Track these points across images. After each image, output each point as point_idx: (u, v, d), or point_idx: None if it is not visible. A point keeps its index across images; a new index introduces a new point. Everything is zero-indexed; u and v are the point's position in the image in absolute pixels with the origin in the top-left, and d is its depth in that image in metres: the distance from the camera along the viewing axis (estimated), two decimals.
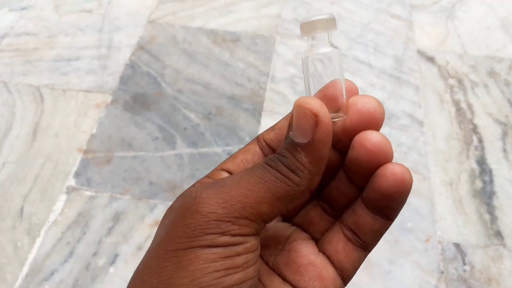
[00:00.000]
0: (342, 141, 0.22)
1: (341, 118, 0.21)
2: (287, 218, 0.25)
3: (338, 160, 0.23)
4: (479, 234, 0.80)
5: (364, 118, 0.21)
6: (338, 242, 0.23)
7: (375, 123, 0.21)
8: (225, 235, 0.19)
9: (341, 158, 0.23)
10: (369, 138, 0.21)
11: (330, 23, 0.22)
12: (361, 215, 0.22)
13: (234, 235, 0.20)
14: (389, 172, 0.21)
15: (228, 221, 0.20)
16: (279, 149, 0.21)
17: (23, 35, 1.13)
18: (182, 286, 0.19)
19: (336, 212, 0.24)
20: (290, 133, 0.21)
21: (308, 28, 0.22)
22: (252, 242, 0.20)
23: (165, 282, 0.19)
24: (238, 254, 0.20)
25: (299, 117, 0.20)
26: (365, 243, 0.23)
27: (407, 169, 0.21)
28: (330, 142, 0.21)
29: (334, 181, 0.23)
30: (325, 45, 0.22)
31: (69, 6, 1.21)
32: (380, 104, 0.21)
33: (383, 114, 0.21)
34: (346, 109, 0.21)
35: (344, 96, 0.22)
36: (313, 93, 0.22)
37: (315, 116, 0.20)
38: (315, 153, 0.20)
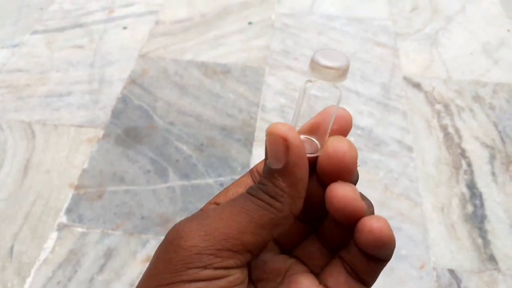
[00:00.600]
0: (326, 177, 0.22)
1: (314, 155, 0.21)
2: (286, 250, 0.25)
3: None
4: (473, 259, 0.80)
5: (334, 162, 0.21)
6: (340, 275, 0.22)
7: (345, 168, 0.21)
8: (207, 268, 0.19)
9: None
10: (335, 193, 0.21)
11: (342, 74, 0.21)
12: (356, 256, 0.22)
13: (216, 268, 0.19)
14: (366, 230, 0.21)
15: (211, 254, 0.19)
16: (259, 179, 0.22)
17: (15, 72, 1.15)
18: None
19: (333, 249, 0.24)
20: (267, 161, 0.21)
21: (318, 71, 0.20)
22: (237, 275, 0.20)
23: None
24: None
25: (271, 143, 0.21)
26: (364, 280, 0.23)
27: (385, 223, 0.21)
28: (305, 164, 0.20)
29: (326, 219, 0.23)
30: (330, 86, 0.21)
31: (61, 43, 1.23)
32: (352, 148, 0.21)
33: (355, 158, 0.21)
34: (322, 146, 0.22)
35: (328, 135, 0.22)
36: (297, 121, 0.22)
37: (285, 140, 0.20)
38: (292, 176, 0.20)
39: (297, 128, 0.22)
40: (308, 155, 0.21)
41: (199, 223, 0.20)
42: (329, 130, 0.22)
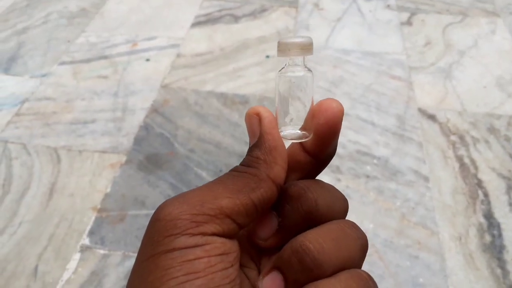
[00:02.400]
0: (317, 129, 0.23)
1: (306, 139, 0.23)
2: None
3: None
4: None
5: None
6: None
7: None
8: (183, 234, 0.19)
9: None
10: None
11: (307, 47, 0.22)
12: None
13: (193, 235, 0.19)
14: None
15: (186, 219, 0.19)
16: None
17: (43, 100, 1.20)
18: None
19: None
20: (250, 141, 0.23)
21: (284, 48, 0.22)
22: (216, 244, 0.19)
23: None
24: (198, 258, 0.18)
25: (248, 121, 0.22)
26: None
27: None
28: (276, 133, 0.22)
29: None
30: (300, 68, 0.23)
31: (86, 73, 1.29)
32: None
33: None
34: (311, 129, 0.22)
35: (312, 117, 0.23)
36: (280, 110, 0.23)
37: (257, 115, 0.22)
38: (265, 143, 0.21)
39: (281, 116, 0.23)
40: (299, 140, 0.23)
41: (178, 196, 0.20)
42: (308, 109, 0.23)
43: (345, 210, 0.23)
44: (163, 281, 0.18)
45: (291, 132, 0.23)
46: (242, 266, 0.23)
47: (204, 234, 0.19)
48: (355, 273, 0.20)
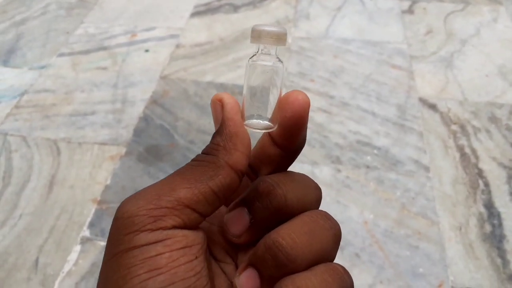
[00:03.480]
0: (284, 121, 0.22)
1: (270, 130, 0.23)
2: None
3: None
4: (492, 279, 0.79)
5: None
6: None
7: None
8: (142, 231, 0.18)
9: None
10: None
11: (280, 37, 0.22)
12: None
13: (152, 230, 0.18)
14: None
15: (143, 215, 0.18)
16: None
17: (42, 92, 1.20)
18: None
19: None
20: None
21: (257, 35, 0.22)
22: (177, 238, 0.19)
23: None
24: (159, 254, 0.18)
25: (213, 109, 0.22)
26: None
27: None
28: (238, 119, 0.21)
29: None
30: (271, 57, 0.22)
31: (85, 64, 1.28)
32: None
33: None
34: (276, 120, 0.22)
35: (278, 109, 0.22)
36: (247, 99, 0.22)
37: (220, 101, 0.22)
38: (226, 130, 0.21)
39: (247, 105, 0.23)
40: (263, 130, 0.22)
41: (136, 193, 0.20)
42: (276, 100, 0.22)
43: (317, 199, 0.23)
44: (127, 279, 0.18)
45: (255, 121, 0.22)
46: (218, 261, 0.23)
47: (163, 228, 0.19)
48: (331, 267, 0.20)
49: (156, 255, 0.18)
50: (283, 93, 0.22)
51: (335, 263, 0.21)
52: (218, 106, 0.22)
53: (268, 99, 0.22)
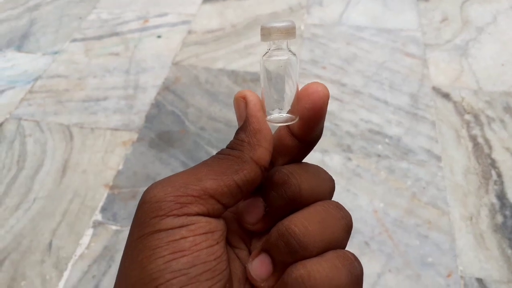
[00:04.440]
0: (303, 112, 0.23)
1: (292, 122, 0.23)
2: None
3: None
4: (502, 270, 0.79)
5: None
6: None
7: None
8: (168, 216, 0.19)
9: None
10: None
11: (290, 31, 0.22)
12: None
13: (178, 215, 0.19)
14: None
15: (170, 201, 0.20)
16: None
17: (55, 77, 1.21)
18: (134, 277, 0.19)
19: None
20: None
21: (266, 33, 0.22)
22: (200, 223, 0.20)
23: (123, 275, 0.20)
24: (183, 237, 0.19)
25: (236, 106, 0.23)
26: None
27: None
28: (261, 116, 0.22)
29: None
30: (284, 51, 0.23)
31: (98, 50, 1.29)
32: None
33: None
34: (297, 112, 0.23)
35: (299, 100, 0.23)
36: (266, 94, 0.23)
37: (243, 98, 0.22)
38: (250, 126, 0.22)
39: (267, 101, 0.23)
40: (285, 124, 0.23)
41: (164, 179, 0.21)
42: (295, 93, 0.23)
43: (330, 190, 0.24)
44: (151, 259, 0.19)
45: (276, 115, 0.23)
46: (233, 247, 0.23)
47: (188, 214, 0.20)
48: (341, 253, 0.21)
49: (180, 238, 0.19)
50: (299, 85, 0.23)
51: (346, 250, 0.21)
52: (241, 103, 0.22)
53: (286, 92, 0.23)
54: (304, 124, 0.23)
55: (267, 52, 0.23)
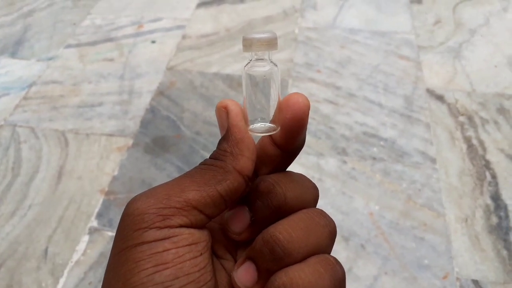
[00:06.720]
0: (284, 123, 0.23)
1: (274, 132, 0.23)
2: None
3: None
4: (498, 271, 0.79)
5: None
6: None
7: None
8: (151, 228, 0.19)
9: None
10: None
11: (271, 42, 0.22)
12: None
13: (161, 228, 0.19)
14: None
15: (153, 213, 0.19)
16: None
17: (50, 83, 1.20)
18: None
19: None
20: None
21: (249, 44, 0.22)
22: (183, 235, 0.20)
23: (106, 286, 0.20)
24: (166, 250, 0.19)
25: (218, 116, 0.23)
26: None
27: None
28: (243, 125, 0.22)
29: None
30: (265, 62, 0.23)
31: (92, 56, 1.29)
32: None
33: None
34: (279, 122, 0.23)
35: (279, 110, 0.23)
36: (248, 104, 0.23)
37: (225, 108, 0.22)
38: (232, 136, 0.22)
39: (249, 111, 0.23)
40: (267, 134, 0.23)
41: (146, 191, 0.21)
42: (275, 103, 0.23)
43: (314, 198, 0.24)
44: (134, 273, 0.19)
45: (258, 125, 0.23)
46: (219, 257, 0.23)
47: (171, 227, 0.20)
48: (323, 258, 0.21)
49: (163, 251, 0.19)
50: (280, 95, 0.23)
51: (327, 255, 0.22)
52: (223, 113, 0.22)
53: (268, 102, 0.23)
54: (285, 134, 0.23)
55: (249, 62, 0.23)
